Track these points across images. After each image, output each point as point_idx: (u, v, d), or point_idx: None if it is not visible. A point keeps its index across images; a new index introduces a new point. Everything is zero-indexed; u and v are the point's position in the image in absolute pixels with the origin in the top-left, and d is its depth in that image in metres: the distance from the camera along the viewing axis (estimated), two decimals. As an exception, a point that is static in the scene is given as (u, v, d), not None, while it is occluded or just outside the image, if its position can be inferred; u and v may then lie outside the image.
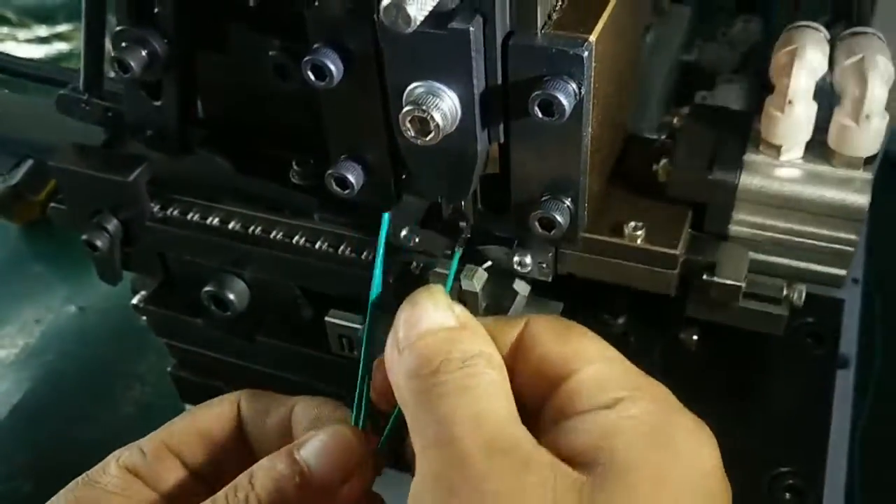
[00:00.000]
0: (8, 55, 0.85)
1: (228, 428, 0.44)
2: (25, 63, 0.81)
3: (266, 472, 0.38)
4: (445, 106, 0.43)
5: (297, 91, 0.55)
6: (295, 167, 0.57)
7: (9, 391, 0.83)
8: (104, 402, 0.83)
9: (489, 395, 0.35)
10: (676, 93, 0.79)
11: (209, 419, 0.43)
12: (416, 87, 0.43)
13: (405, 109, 0.43)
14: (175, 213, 0.60)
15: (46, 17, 1.27)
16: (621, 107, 0.52)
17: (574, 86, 0.41)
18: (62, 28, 1.26)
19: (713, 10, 0.85)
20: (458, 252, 0.49)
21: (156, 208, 0.60)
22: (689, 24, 0.82)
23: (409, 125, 0.43)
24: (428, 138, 0.43)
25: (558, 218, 0.46)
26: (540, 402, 0.37)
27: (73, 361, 0.86)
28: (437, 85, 0.43)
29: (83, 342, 0.88)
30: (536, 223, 0.47)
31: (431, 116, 0.42)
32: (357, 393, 0.43)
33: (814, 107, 0.49)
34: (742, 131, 0.52)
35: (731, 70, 0.82)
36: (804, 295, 0.49)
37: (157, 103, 0.57)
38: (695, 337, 0.63)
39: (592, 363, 0.36)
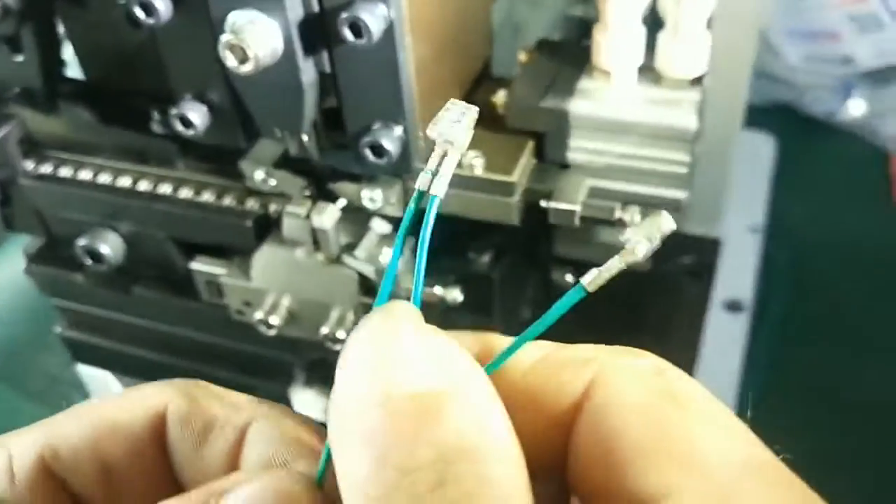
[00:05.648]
0: None
1: (144, 455, 0.28)
2: None
3: None
4: (262, 34, 0.44)
5: (151, 39, 0.56)
6: (155, 115, 0.58)
7: None
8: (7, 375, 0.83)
9: None
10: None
11: (116, 445, 0.27)
12: (234, 16, 0.44)
13: (223, 38, 0.44)
14: (48, 169, 0.61)
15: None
16: (464, 36, 0.53)
17: (383, 7, 0.42)
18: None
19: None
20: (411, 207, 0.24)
21: (30, 166, 0.61)
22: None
23: (228, 54, 0.44)
24: (246, 67, 0.44)
25: (386, 145, 0.47)
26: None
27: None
28: (255, 13, 0.44)
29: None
30: (368, 150, 0.48)
31: (247, 44, 0.43)
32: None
33: (641, 31, 0.50)
34: (582, 62, 0.53)
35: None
36: (637, 216, 0.50)
37: (20, 58, 0.58)
38: (568, 277, 0.64)
39: (708, 472, 0.21)
